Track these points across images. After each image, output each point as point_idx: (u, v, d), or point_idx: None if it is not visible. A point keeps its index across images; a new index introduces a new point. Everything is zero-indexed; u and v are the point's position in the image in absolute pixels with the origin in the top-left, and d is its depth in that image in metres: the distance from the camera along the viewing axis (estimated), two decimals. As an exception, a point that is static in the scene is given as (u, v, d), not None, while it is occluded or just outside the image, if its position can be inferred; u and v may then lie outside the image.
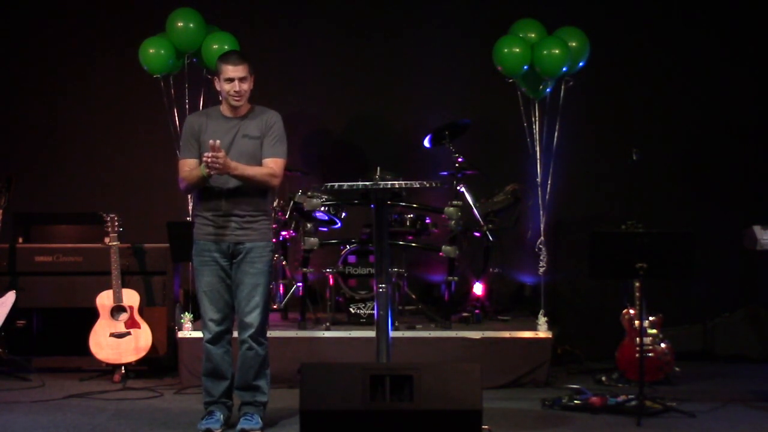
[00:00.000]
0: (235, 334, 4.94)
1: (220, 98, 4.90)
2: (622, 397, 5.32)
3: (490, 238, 6.32)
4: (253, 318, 4.80)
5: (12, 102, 7.47)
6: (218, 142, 4.61)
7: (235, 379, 4.93)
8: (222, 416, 4.88)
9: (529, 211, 6.70)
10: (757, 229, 5.81)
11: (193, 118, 4.95)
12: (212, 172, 4.63)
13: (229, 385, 4.93)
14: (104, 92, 7.40)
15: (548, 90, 6.47)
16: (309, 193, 6.21)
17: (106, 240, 6.25)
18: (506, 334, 6.15)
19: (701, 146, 7.34)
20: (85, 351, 6.18)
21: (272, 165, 4.81)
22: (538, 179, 6.41)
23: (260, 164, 4.81)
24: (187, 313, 6.15)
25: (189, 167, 4.80)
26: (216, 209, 4.79)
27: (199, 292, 4.86)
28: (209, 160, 4.59)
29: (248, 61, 4.81)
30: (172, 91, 6.44)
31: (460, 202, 6.21)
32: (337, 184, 4.77)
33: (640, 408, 5.08)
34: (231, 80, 4.75)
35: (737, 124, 7.35)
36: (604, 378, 6.15)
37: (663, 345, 5.96)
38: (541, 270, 6.37)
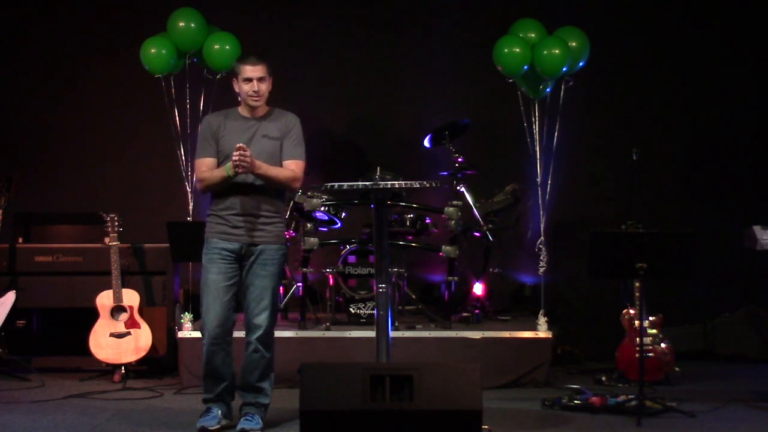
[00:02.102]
0: (240, 334, 4.92)
1: (239, 99, 4.89)
2: (622, 397, 5.32)
3: (490, 238, 6.32)
4: (262, 320, 4.79)
5: (12, 102, 7.46)
6: (243, 144, 4.63)
7: (238, 379, 4.91)
8: (220, 412, 4.85)
9: (529, 211, 6.71)
10: (757, 229, 5.81)
11: (212, 118, 4.95)
12: (240, 171, 4.63)
13: (228, 385, 4.90)
14: (105, 92, 7.40)
15: (548, 90, 6.47)
16: (309, 193, 6.21)
17: (106, 240, 6.25)
18: (506, 334, 6.15)
19: (701, 146, 7.34)
20: (85, 351, 6.18)
21: (293, 167, 4.83)
22: (538, 179, 6.41)
23: (279, 165, 4.82)
24: (187, 313, 6.15)
25: (207, 167, 4.80)
26: (232, 209, 4.77)
27: (204, 289, 4.82)
28: (237, 159, 4.59)
29: (266, 62, 4.84)
30: (173, 91, 6.43)
31: (460, 202, 6.21)
32: (337, 184, 4.76)
33: (640, 408, 5.08)
34: (249, 80, 4.77)
35: (737, 124, 7.35)
36: (604, 378, 6.15)
37: (663, 345, 5.96)
38: (541, 270, 6.37)
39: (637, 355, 5.54)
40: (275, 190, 4.83)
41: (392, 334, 4.95)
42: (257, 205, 4.78)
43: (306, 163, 4.92)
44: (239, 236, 4.78)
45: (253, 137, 4.79)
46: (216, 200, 4.84)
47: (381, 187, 4.81)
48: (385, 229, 4.91)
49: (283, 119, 4.88)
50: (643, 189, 6.61)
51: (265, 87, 4.80)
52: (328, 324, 6.20)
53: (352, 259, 6.48)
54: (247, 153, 4.61)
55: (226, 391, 4.90)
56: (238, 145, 4.61)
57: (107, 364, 6.21)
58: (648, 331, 5.90)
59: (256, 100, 4.80)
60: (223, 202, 4.80)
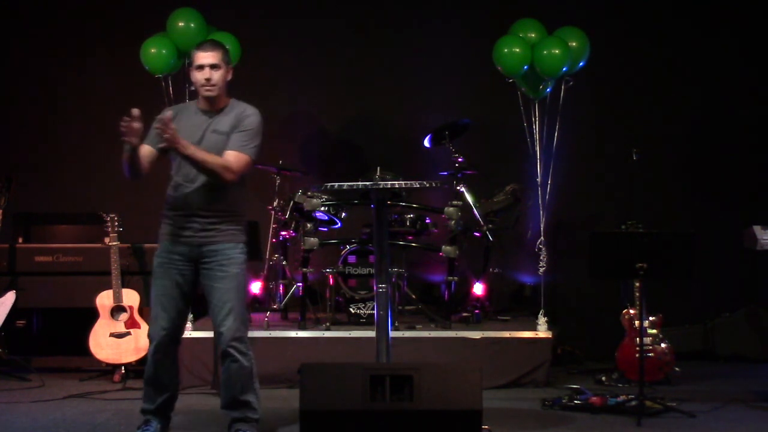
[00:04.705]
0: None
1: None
2: (622, 397, 5.32)
3: (490, 238, 6.32)
4: (228, 326, 4.43)
5: (12, 102, 7.47)
6: (137, 111, 4.21)
7: (222, 396, 4.59)
8: (159, 426, 4.57)
9: (529, 211, 6.71)
10: (757, 229, 5.81)
11: (169, 109, 4.56)
12: (162, 145, 4.26)
13: (170, 397, 4.63)
14: (105, 92, 7.40)
15: (548, 90, 6.47)
16: (309, 193, 6.21)
17: (106, 240, 6.25)
18: (506, 334, 6.15)
19: (701, 146, 7.35)
20: (85, 351, 6.18)
21: (231, 158, 4.40)
22: (538, 179, 6.41)
23: None
24: (186, 313, 6.14)
25: (144, 152, 4.42)
26: (178, 209, 4.46)
27: (152, 296, 4.54)
28: (158, 127, 4.19)
29: (223, 49, 4.51)
30: (171, 90, 6.43)
31: (460, 202, 6.21)
32: (337, 184, 4.73)
33: (640, 408, 5.08)
34: (201, 68, 4.43)
35: (737, 124, 7.36)
36: (604, 378, 6.15)
37: (663, 345, 5.96)
38: (541, 270, 6.37)
39: (637, 355, 5.54)
40: (223, 187, 4.43)
41: (392, 334, 4.95)
42: (203, 204, 4.43)
43: (252, 160, 4.49)
44: (188, 238, 4.45)
45: (205, 133, 4.46)
46: (166, 201, 4.51)
47: (381, 187, 4.79)
48: (385, 229, 4.90)
49: (235, 111, 4.49)
50: (643, 189, 6.62)
51: (218, 75, 4.43)
52: (328, 324, 6.20)
53: (352, 259, 6.49)
54: (171, 126, 4.21)
55: (167, 403, 4.62)
56: (159, 117, 4.24)
57: (107, 364, 6.21)
58: (648, 331, 5.90)
59: (208, 90, 4.44)
60: (171, 202, 4.48)
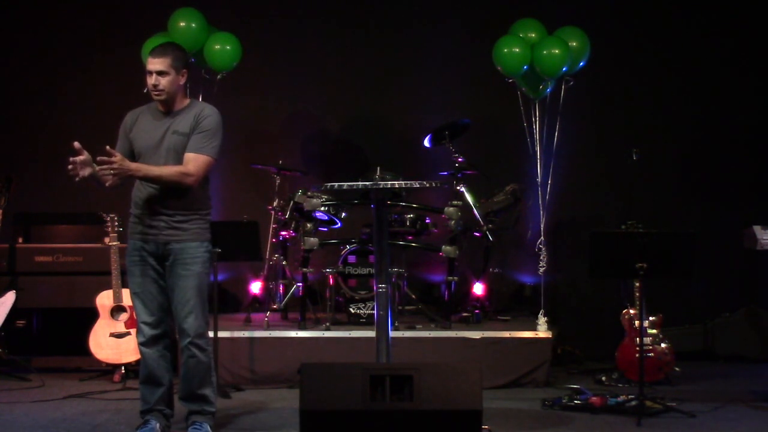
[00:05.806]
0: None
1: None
2: (622, 397, 5.32)
3: (490, 238, 6.32)
4: (190, 323, 4.54)
5: (12, 102, 7.47)
6: (77, 144, 4.37)
7: (180, 389, 4.69)
8: (158, 425, 4.64)
9: (529, 211, 6.71)
10: (757, 229, 5.81)
11: (129, 114, 4.70)
12: (112, 180, 4.40)
13: (165, 392, 4.69)
14: (105, 92, 7.39)
15: (548, 90, 6.47)
16: (309, 193, 6.21)
17: (106, 240, 6.25)
18: (506, 334, 6.15)
19: (702, 146, 7.35)
20: (85, 351, 6.18)
21: (190, 161, 4.47)
22: (538, 179, 6.42)
23: None
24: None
25: None
26: (144, 207, 4.53)
27: (131, 294, 4.62)
28: (104, 167, 4.31)
29: (173, 54, 4.53)
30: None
31: (460, 202, 6.21)
32: (337, 184, 4.73)
33: (640, 408, 5.09)
34: (150, 74, 4.51)
35: (738, 125, 7.36)
36: (604, 378, 6.15)
37: (663, 345, 5.96)
38: (541, 270, 6.37)
39: (637, 355, 5.54)
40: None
41: (392, 334, 4.95)
42: (169, 203, 4.50)
43: (212, 160, 4.52)
44: (155, 235, 4.52)
45: (165, 134, 4.53)
46: (132, 200, 4.60)
47: (381, 187, 4.79)
48: (385, 229, 4.89)
49: (194, 112, 4.55)
50: (643, 189, 6.63)
51: (165, 81, 4.49)
52: (328, 324, 6.20)
53: (352, 259, 6.49)
54: (114, 159, 4.29)
55: (163, 399, 4.68)
56: (107, 150, 4.32)
57: (107, 364, 6.21)
58: (648, 331, 5.90)
59: (156, 95, 4.52)
60: (138, 201, 4.55)
